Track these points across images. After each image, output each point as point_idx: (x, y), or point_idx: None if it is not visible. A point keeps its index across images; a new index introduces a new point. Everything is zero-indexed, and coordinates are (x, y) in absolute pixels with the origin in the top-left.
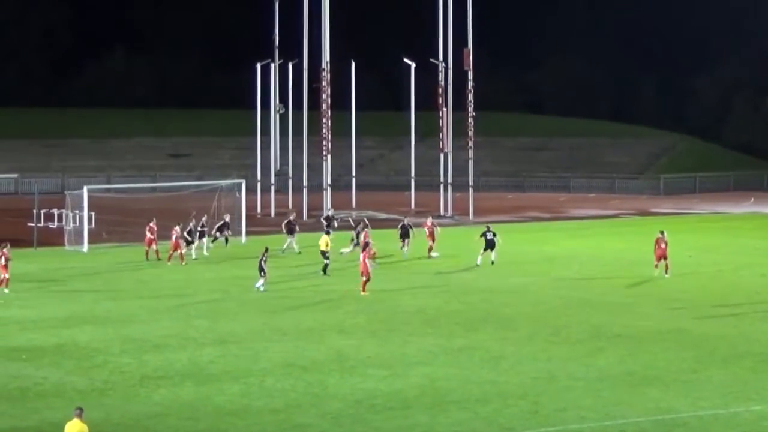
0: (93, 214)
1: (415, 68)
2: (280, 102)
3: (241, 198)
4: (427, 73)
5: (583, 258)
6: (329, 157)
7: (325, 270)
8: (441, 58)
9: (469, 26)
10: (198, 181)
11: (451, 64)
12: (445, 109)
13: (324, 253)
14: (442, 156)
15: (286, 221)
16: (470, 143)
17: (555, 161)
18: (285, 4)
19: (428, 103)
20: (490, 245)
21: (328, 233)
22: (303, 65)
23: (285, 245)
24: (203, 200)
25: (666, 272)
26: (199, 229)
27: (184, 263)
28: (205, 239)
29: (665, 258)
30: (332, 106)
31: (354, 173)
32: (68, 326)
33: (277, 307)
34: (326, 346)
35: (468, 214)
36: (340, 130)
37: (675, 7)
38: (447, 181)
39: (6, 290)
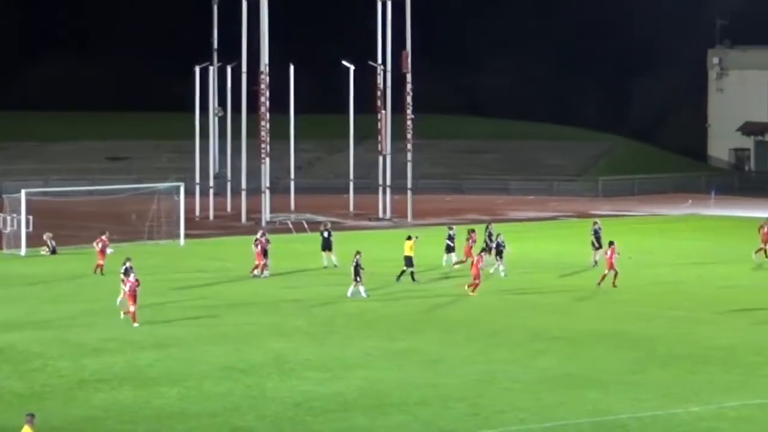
0: (31, 217)
1: (354, 71)
2: (218, 105)
3: (179, 201)
4: (366, 76)
5: (521, 260)
6: (268, 160)
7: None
8: (380, 60)
9: (408, 29)
10: (136, 184)
11: (390, 66)
12: (383, 112)
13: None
14: (380, 158)
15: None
16: (409, 146)
17: (494, 163)
18: (224, 7)
19: (367, 105)
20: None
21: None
22: (242, 68)
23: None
24: (142, 203)
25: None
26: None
27: None
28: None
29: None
30: (271, 109)
31: (293, 176)
32: (6, 330)
33: (215, 311)
34: (265, 349)
35: (407, 217)
36: (279, 133)
37: (615, 10)
38: (386, 183)
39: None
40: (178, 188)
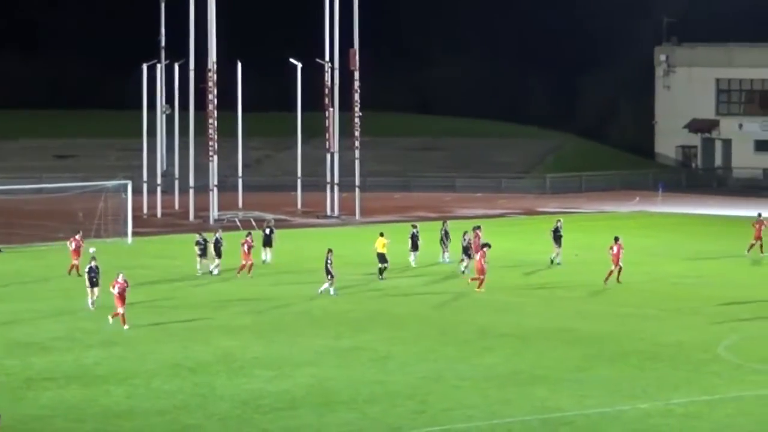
0: None
1: (302, 68)
2: (166, 103)
3: (127, 199)
4: (314, 74)
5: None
6: (216, 157)
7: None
8: (327, 58)
9: (356, 26)
10: (84, 182)
11: (338, 64)
12: (331, 110)
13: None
14: (328, 156)
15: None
16: (357, 143)
17: (443, 161)
18: (171, 5)
19: (315, 103)
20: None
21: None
22: (189, 66)
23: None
24: (89, 201)
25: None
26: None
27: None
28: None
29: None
30: (219, 107)
31: (240, 174)
32: None
33: (163, 309)
34: (213, 347)
35: (354, 214)
36: (227, 131)
37: (563, 7)
38: (333, 181)
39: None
40: (125, 186)
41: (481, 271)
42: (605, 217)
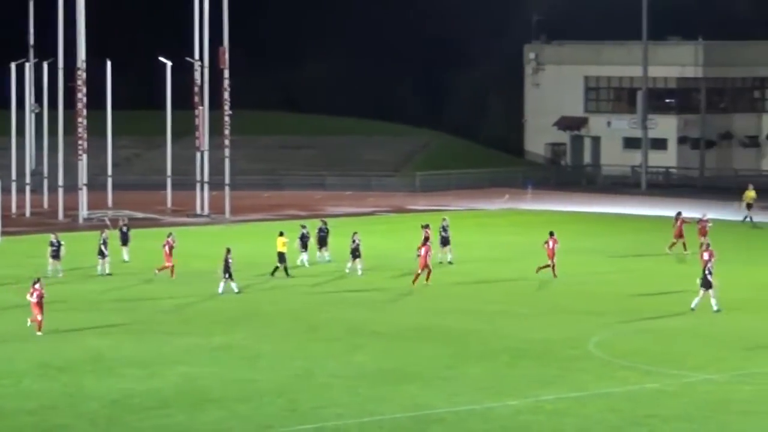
0: None
1: (171, 67)
2: (35, 101)
3: None
4: (184, 72)
5: (338, 254)
6: (85, 156)
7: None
8: (197, 56)
9: (225, 25)
10: None
11: (208, 62)
12: (201, 108)
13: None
14: (198, 155)
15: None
16: (227, 142)
17: (313, 159)
18: (40, 3)
19: (185, 101)
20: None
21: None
22: (58, 64)
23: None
24: None
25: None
26: None
27: None
28: None
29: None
30: (88, 106)
31: (110, 173)
32: None
33: None
34: (83, 346)
35: (224, 213)
36: (96, 130)
37: (432, 4)
38: (203, 179)
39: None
40: None
41: (424, 266)
42: (475, 215)
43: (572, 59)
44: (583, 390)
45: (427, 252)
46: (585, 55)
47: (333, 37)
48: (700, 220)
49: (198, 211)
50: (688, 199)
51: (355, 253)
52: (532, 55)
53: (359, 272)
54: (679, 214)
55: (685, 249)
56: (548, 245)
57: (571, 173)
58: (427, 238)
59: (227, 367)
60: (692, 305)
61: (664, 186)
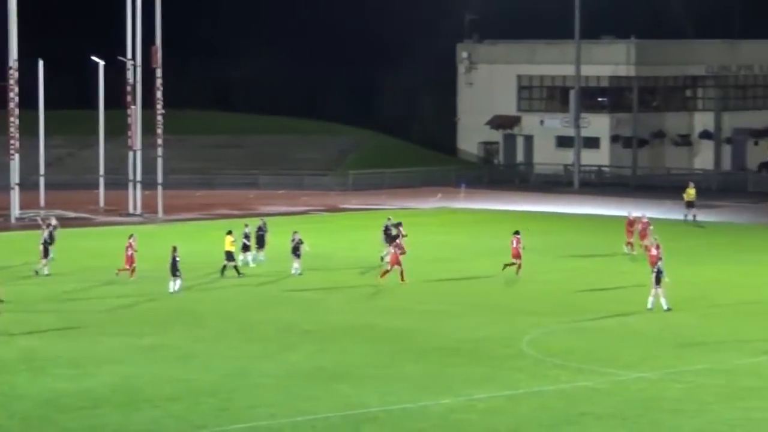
0: None
1: (104, 66)
2: None
3: None
4: (116, 71)
5: (272, 253)
6: (17, 156)
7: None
8: (129, 55)
9: (158, 23)
10: None
11: (140, 61)
12: (133, 107)
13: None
14: (131, 154)
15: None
16: (159, 141)
17: (246, 158)
18: None
19: (117, 101)
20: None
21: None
22: None
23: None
24: None
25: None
26: None
27: None
28: None
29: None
30: (20, 105)
31: (42, 172)
32: None
33: None
34: (14, 346)
35: (157, 212)
36: (28, 129)
37: (365, 3)
38: (136, 179)
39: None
40: None
41: (395, 263)
42: (407, 214)
43: (505, 58)
44: (515, 388)
45: (397, 250)
46: (518, 54)
47: (266, 36)
48: (639, 221)
49: (130, 210)
50: (620, 198)
51: (296, 252)
52: (464, 55)
53: (298, 271)
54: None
55: (632, 249)
56: (513, 244)
57: (503, 172)
58: (395, 236)
59: (160, 366)
60: (648, 305)
61: (596, 184)
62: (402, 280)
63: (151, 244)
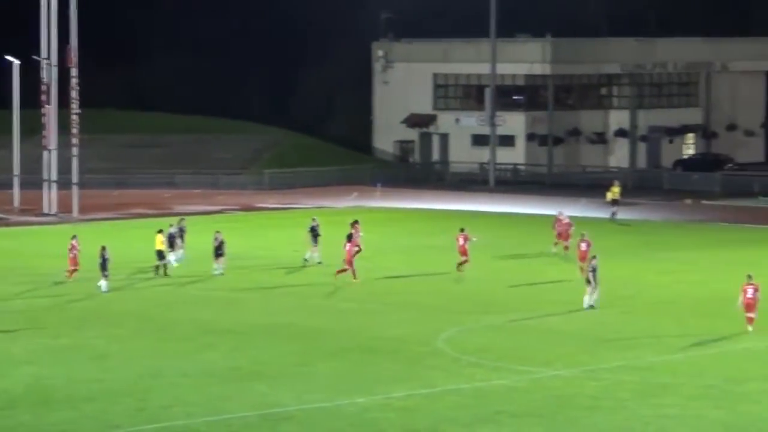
0: None
1: (20, 65)
2: None
3: None
4: (31, 71)
5: (189, 253)
6: None
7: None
8: (44, 54)
9: (73, 23)
10: None
11: (56, 61)
12: (48, 107)
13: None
14: (46, 153)
15: None
16: (75, 140)
17: (162, 158)
18: None
19: (33, 100)
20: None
21: None
22: None
23: None
24: None
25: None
26: None
27: None
28: None
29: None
30: None
31: None
32: None
33: None
34: None
35: (72, 212)
36: None
37: (280, 2)
38: (51, 178)
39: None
40: None
41: (349, 262)
42: (324, 213)
43: (421, 57)
44: (432, 387)
45: (351, 248)
46: (434, 52)
47: (181, 36)
48: (557, 220)
49: (45, 210)
50: (536, 196)
51: (218, 252)
52: (380, 53)
53: (220, 271)
54: (560, 213)
55: (554, 248)
56: (458, 241)
57: (420, 170)
58: (350, 235)
59: (75, 366)
60: (585, 304)
61: (512, 183)
62: (354, 278)
63: (64, 245)
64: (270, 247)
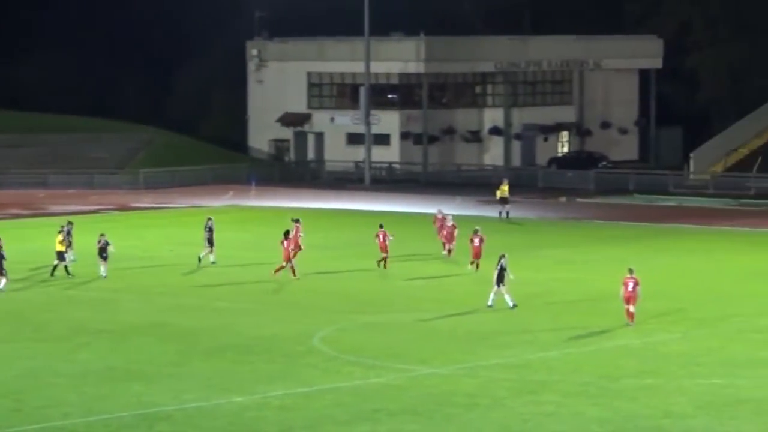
0: None
1: None
2: None
3: None
4: None
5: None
6: None
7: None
8: None
9: None
10: None
11: None
12: None
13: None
14: None
15: None
16: None
17: (34, 158)
18: None
19: None
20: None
21: None
22: None
23: None
24: None
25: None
26: None
27: None
28: None
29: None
30: None
31: None
32: None
33: None
34: None
35: None
36: None
37: (157, 2)
38: None
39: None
40: None
41: (288, 259)
42: (199, 212)
43: (295, 56)
44: (310, 385)
45: (288, 245)
46: (308, 51)
47: (54, 34)
48: (437, 219)
49: None
50: (411, 194)
51: (102, 254)
52: (254, 52)
53: (104, 274)
54: (439, 211)
55: (444, 248)
56: (379, 238)
57: (295, 169)
58: (287, 232)
59: None
60: (489, 302)
61: (387, 181)
62: (294, 275)
63: None
64: (146, 246)
